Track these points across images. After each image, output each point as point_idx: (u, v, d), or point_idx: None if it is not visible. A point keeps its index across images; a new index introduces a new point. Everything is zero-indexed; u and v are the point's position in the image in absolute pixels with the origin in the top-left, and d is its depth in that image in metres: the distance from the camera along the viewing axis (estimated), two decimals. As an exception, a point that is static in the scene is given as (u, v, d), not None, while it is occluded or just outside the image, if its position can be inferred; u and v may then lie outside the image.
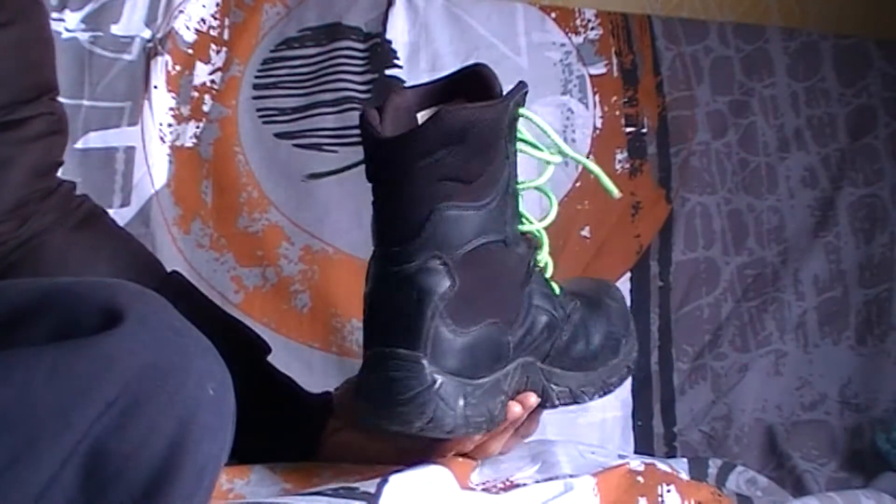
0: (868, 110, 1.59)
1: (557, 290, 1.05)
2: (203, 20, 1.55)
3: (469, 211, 0.95)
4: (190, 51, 1.54)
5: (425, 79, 1.20)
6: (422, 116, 0.98)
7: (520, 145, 1.00)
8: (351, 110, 1.52)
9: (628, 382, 1.45)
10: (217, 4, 1.56)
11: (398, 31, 1.57)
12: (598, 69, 1.59)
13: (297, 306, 1.46)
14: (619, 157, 1.55)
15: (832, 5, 1.73)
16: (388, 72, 1.55)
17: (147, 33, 1.54)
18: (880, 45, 1.63)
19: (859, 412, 1.44)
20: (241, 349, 1.06)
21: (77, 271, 1.07)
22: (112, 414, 0.74)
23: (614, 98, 1.58)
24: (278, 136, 1.52)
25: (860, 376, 1.46)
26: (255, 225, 1.49)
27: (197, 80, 1.53)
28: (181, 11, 1.54)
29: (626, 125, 1.57)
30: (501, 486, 1.02)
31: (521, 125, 1.00)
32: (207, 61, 1.54)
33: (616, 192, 1.04)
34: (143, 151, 1.49)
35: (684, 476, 1.12)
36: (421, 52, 1.57)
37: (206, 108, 1.53)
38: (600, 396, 1.10)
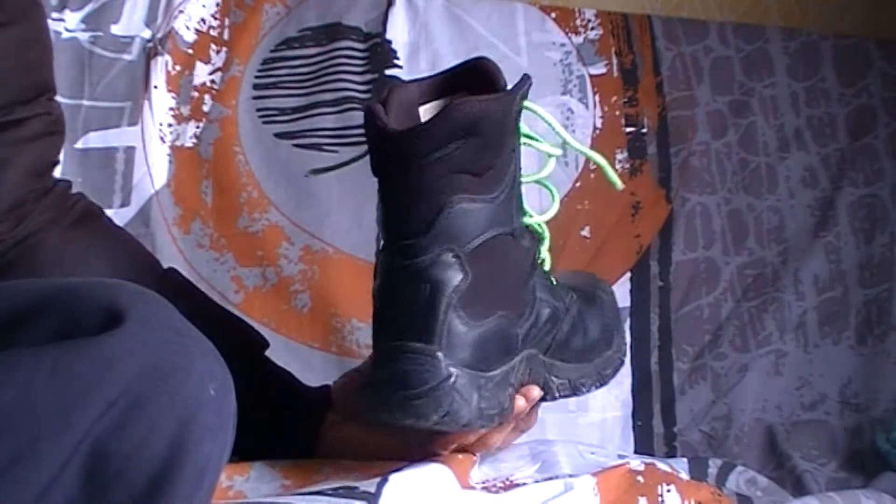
0: (868, 110, 1.59)
1: (555, 284, 1.06)
2: (203, 20, 1.55)
3: (479, 203, 0.95)
4: (190, 51, 1.54)
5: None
6: (424, 110, 0.98)
7: (522, 139, 1.00)
8: (351, 110, 1.52)
9: (628, 382, 1.46)
10: (217, 4, 1.56)
11: (398, 31, 1.57)
12: (598, 69, 1.59)
13: (297, 306, 1.46)
14: (619, 156, 1.55)
15: (832, 5, 1.73)
16: (388, 72, 1.55)
17: (147, 33, 1.54)
18: (880, 45, 1.63)
19: (859, 412, 1.44)
20: (239, 344, 1.06)
21: (73, 269, 1.07)
22: (113, 414, 0.74)
23: (614, 98, 1.58)
24: (278, 136, 1.53)
25: (860, 376, 1.46)
26: (255, 225, 1.49)
27: (197, 80, 1.53)
28: (181, 11, 1.54)
29: (626, 125, 1.57)
30: (501, 485, 1.02)
31: (521, 119, 1.00)
32: (207, 61, 1.54)
33: (619, 184, 1.05)
34: (143, 151, 1.49)
35: (684, 476, 1.12)
36: (421, 52, 1.57)
37: (206, 108, 1.53)
38: (597, 388, 1.10)
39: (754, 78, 1.60)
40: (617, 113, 1.57)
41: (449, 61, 1.55)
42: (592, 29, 1.60)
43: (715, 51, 1.61)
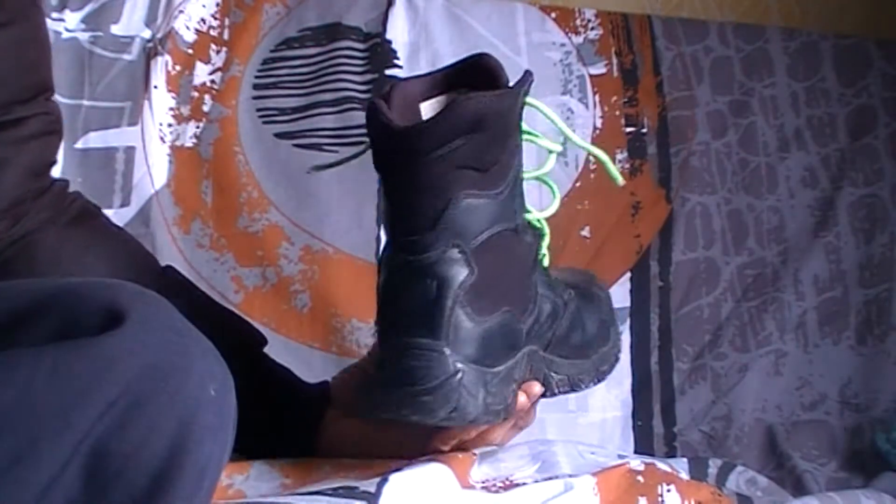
0: (868, 110, 1.59)
1: (554, 280, 1.06)
2: (203, 20, 1.55)
3: (484, 199, 0.95)
4: (190, 51, 1.54)
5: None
6: (425, 107, 0.98)
7: (523, 135, 1.00)
8: (351, 110, 1.52)
9: (628, 382, 1.46)
10: (217, 4, 1.56)
11: (398, 31, 1.57)
12: (598, 69, 1.59)
13: (297, 306, 1.46)
14: (619, 157, 1.55)
15: (832, 5, 1.73)
16: (388, 72, 1.55)
17: (147, 33, 1.54)
18: (880, 45, 1.63)
19: (859, 412, 1.44)
20: (238, 341, 1.06)
21: (70, 268, 1.07)
22: (113, 414, 0.74)
23: (614, 98, 1.58)
24: (278, 136, 1.52)
25: (860, 376, 1.46)
26: (255, 225, 1.49)
27: (197, 80, 1.53)
28: (181, 11, 1.54)
29: (626, 125, 1.57)
30: (501, 485, 1.02)
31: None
32: (207, 61, 1.54)
33: (621, 180, 1.05)
34: (143, 151, 1.49)
35: (684, 476, 1.12)
36: (421, 52, 1.57)
37: (206, 108, 1.53)
38: (594, 384, 1.10)
39: (754, 78, 1.60)
40: (617, 113, 1.57)
41: (449, 61, 1.55)
42: (592, 29, 1.60)
43: (715, 51, 1.61)
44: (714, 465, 1.27)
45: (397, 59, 1.56)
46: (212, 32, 1.56)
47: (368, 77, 1.55)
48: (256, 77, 1.55)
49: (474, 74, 0.99)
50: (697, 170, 1.55)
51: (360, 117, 1.51)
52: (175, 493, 0.75)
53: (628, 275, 1.50)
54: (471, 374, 0.94)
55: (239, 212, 1.49)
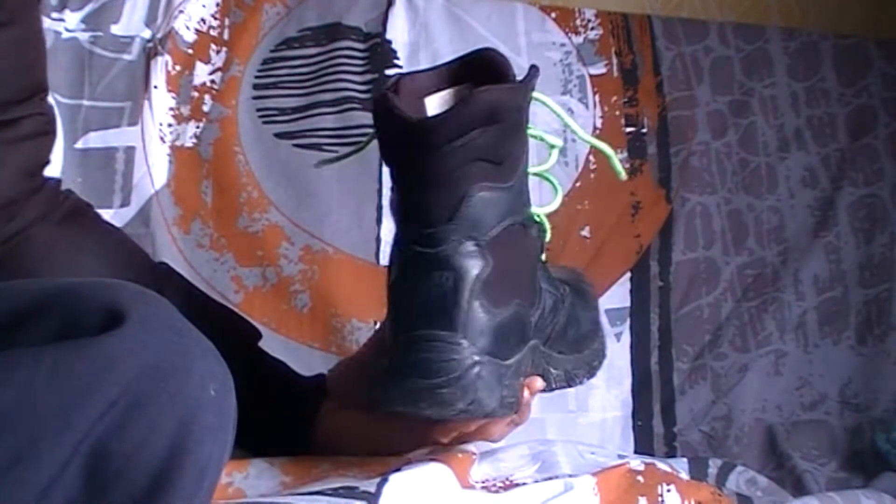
0: (868, 110, 1.59)
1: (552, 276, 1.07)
2: (203, 20, 1.55)
3: (497, 192, 0.95)
4: (190, 51, 1.54)
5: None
6: (429, 101, 0.98)
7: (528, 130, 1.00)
8: (351, 110, 1.52)
9: (628, 382, 1.46)
10: (217, 4, 1.56)
11: (398, 31, 1.57)
12: (598, 69, 1.59)
13: (297, 306, 1.46)
14: (619, 157, 1.54)
15: (832, 5, 1.73)
16: (388, 72, 1.55)
17: (147, 33, 1.54)
18: (880, 45, 1.63)
19: (859, 412, 1.44)
20: (232, 335, 1.05)
21: (62, 265, 1.07)
22: (113, 414, 0.74)
23: (614, 98, 1.58)
24: (278, 136, 1.52)
25: (860, 376, 1.46)
26: (255, 225, 1.49)
27: (197, 80, 1.53)
28: (181, 11, 1.54)
29: (626, 125, 1.57)
30: (501, 485, 1.02)
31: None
32: (207, 61, 1.54)
33: (623, 174, 1.06)
34: (143, 151, 1.49)
35: (684, 476, 1.12)
36: (421, 52, 1.57)
37: (206, 108, 1.53)
38: (587, 379, 1.11)
39: (754, 78, 1.60)
40: (617, 113, 1.57)
41: (449, 61, 1.55)
42: (592, 29, 1.60)
43: (715, 51, 1.61)
44: (714, 465, 1.27)
45: (397, 59, 1.56)
46: (212, 32, 1.56)
47: (368, 77, 1.55)
48: (256, 77, 1.55)
49: (477, 69, 0.99)
50: (697, 170, 1.55)
51: (360, 117, 1.52)
52: (175, 493, 0.75)
53: (628, 275, 1.50)
54: (488, 367, 0.94)
55: (239, 212, 1.49)
